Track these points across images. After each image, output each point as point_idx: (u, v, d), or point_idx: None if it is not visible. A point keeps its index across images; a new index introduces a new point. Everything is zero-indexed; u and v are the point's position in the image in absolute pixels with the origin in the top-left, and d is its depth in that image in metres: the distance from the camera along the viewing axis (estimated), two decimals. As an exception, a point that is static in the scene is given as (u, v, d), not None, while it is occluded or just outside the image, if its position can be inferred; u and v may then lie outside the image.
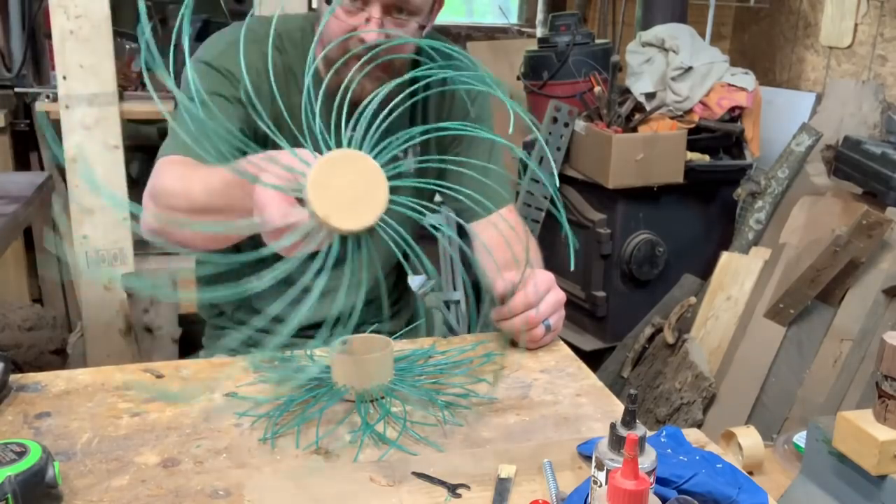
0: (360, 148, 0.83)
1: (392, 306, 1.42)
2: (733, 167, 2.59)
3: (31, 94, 2.66)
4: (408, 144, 0.90)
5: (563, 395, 1.02)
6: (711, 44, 2.86)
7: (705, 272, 2.51)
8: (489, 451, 0.88)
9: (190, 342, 2.13)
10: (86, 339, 2.32)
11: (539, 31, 3.79)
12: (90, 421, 0.92)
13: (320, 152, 0.82)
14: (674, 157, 2.49)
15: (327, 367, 1.02)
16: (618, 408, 0.99)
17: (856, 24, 2.67)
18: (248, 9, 2.67)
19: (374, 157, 0.83)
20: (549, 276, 1.12)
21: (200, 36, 2.60)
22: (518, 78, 2.91)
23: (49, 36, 2.43)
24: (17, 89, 2.64)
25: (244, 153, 1.15)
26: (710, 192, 2.63)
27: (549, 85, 2.74)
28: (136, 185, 2.69)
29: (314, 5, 2.44)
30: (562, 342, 1.18)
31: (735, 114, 2.57)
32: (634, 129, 2.52)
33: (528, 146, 2.69)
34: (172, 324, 2.17)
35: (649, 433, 0.77)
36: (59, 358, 2.45)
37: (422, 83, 1.26)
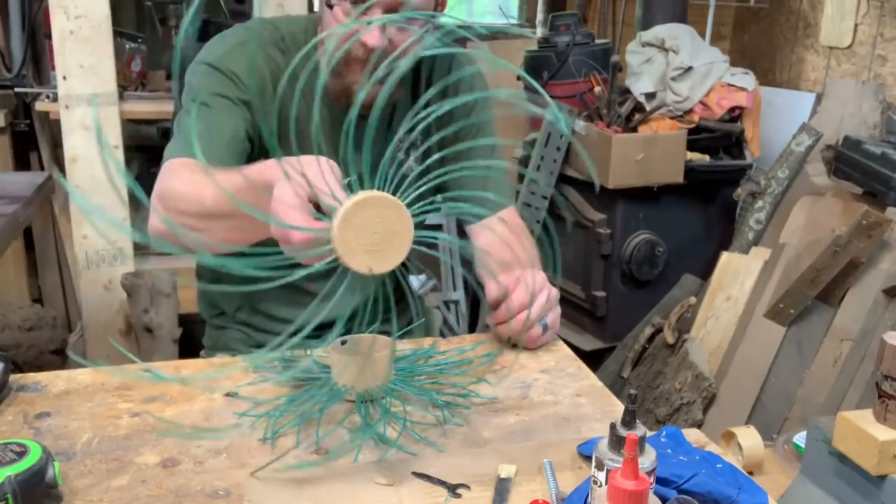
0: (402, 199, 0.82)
1: (392, 307, 1.42)
2: (733, 167, 2.59)
3: (31, 94, 2.66)
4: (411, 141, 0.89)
5: (563, 395, 1.02)
6: (711, 44, 2.86)
7: (705, 272, 2.51)
8: (489, 451, 0.88)
9: (190, 342, 2.13)
10: (86, 339, 2.32)
11: (539, 31, 3.79)
12: (90, 421, 0.92)
13: (336, 160, 0.82)
14: (674, 157, 2.49)
15: (327, 367, 1.02)
16: (618, 408, 0.99)
17: (856, 24, 2.67)
18: (249, 9, 2.67)
19: (406, 205, 0.81)
20: (541, 276, 1.12)
21: (201, 37, 2.60)
22: (518, 78, 2.91)
23: (49, 36, 2.43)
24: (17, 89, 2.64)
25: (250, 155, 1.14)
26: (710, 192, 2.63)
27: (549, 85, 2.74)
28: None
29: (315, 7, 2.44)
30: (562, 342, 1.18)
31: (735, 114, 2.57)
32: (634, 129, 2.52)
33: (528, 146, 2.69)
34: (172, 324, 2.17)
35: (649, 433, 0.77)
36: (59, 358, 2.45)
37: (422, 84, 1.27)
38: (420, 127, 0.87)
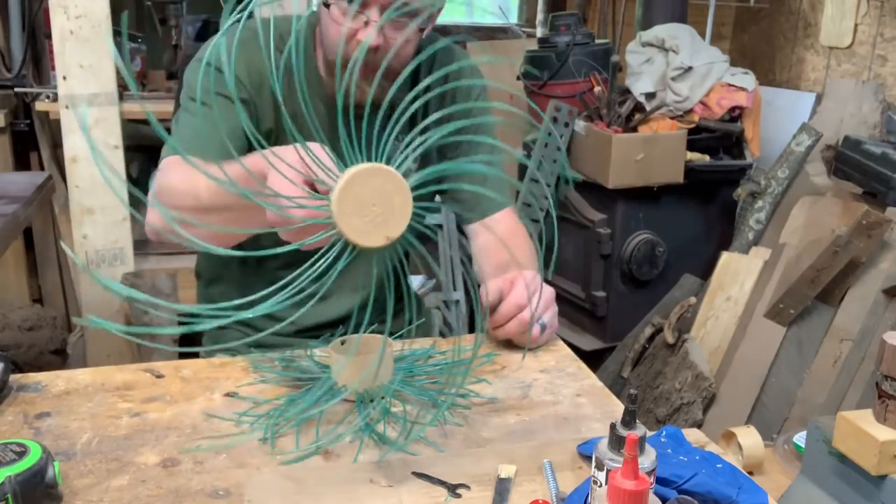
0: (398, 167, 0.82)
1: (392, 306, 1.42)
2: (733, 167, 2.59)
3: (31, 94, 2.66)
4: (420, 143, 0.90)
5: (563, 395, 1.02)
6: (711, 44, 2.86)
7: (705, 272, 2.51)
8: (489, 451, 0.88)
9: (190, 342, 2.13)
10: (86, 339, 2.32)
11: (539, 31, 3.79)
12: (90, 421, 0.92)
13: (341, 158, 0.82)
14: (674, 157, 2.49)
15: (327, 367, 1.02)
16: (618, 408, 0.99)
17: (856, 24, 2.67)
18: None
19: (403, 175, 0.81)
20: (536, 276, 1.12)
21: (200, 36, 2.61)
22: (518, 78, 2.91)
23: (49, 36, 2.43)
24: (17, 89, 2.64)
25: (249, 152, 1.14)
26: (710, 192, 2.63)
27: (549, 85, 2.74)
28: (137, 184, 2.68)
29: (314, 7, 2.44)
30: (562, 342, 1.18)
31: (735, 114, 2.57)
32: (634, 129, 2.52)
33: (528, 146, 2.69)
34: (172, 324, 2.17)
35: (649, 433, 0.77)
36: (59, 358, 2.45)
37: (422, 85, 1.27)
38: (406, 111, 0.86)
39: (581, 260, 2.63)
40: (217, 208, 0.94)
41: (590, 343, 2.64)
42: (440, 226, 2.94)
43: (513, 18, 4.25)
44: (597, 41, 2.86)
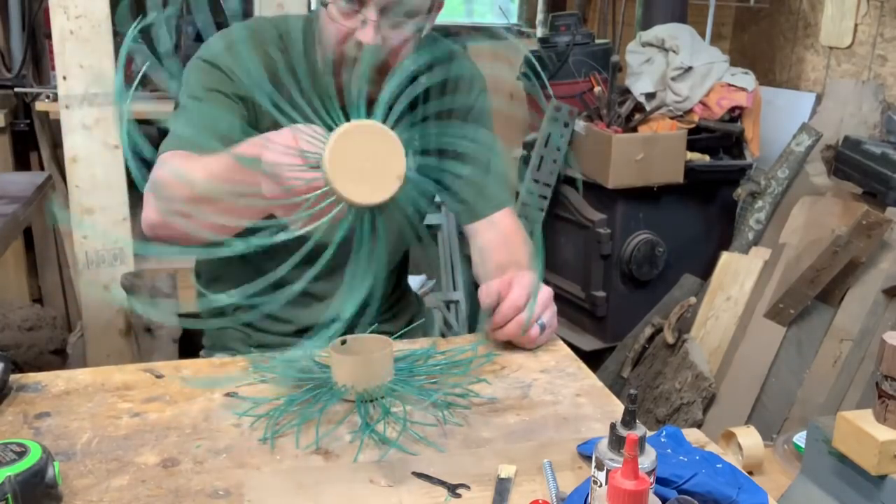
0: (385, 122, 0.82)
1: (392, 306, 1.42)
2: (733, 167, 2.59)
3: (31, 94, 2.66)
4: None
5: (563, 395, 1.02)
6: (711, 44, 2.86)
7: (705, 272, 2.51)
8: (489, 451, 0.88)
9: (190, 342, 2.13)
10: (86, 339, 2.32)
11: (539, 31, 3.79)
12: (90, 421, 0.92)
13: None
14: (674, 157, 2.48)
15: (327, 367, 1.02)
16: (618, 408, 0.99)
17: (856, 24, 2.67)
18: (249, 9, 2.67)
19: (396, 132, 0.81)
20: (533, 276, 1.11)
21: (200, 37, 2.60)
22: (518, 78, 2.91)
23: (49, 36, 2.43)
24: (17, 89, 2.64)
25: None
26: (710, 192, 2.63)
27: (549, 85, 2.74)
28: (136, 185, 2.69)
29: (314, 6, 2.44)
30: (561, 342, 1.18)
31: (735, 114, 2.57)
32: (634, 129, 2.52)
33: (528, 146, 2.69)
34: (172, 325, 2.17)
35: (649, 433, 0.77)
36: (59, 358, 2.45)
37: (422, 84, 1.27)
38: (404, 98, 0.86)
39: (581, 260, 2.63)
40: (212, 198, 0.93)
41: (590, 343, 2.64)
42: (440, 226, 2.94)
43: (513, 18, 4.25)
44: (597, 41, 2.86)
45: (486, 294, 1.10)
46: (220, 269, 1.35)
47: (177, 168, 1.04)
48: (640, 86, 2.62)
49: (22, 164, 2.77)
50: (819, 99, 2.75)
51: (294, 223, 0.83)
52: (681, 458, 0.81)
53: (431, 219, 2.88)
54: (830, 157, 2.40)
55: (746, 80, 2.58)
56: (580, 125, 2.57)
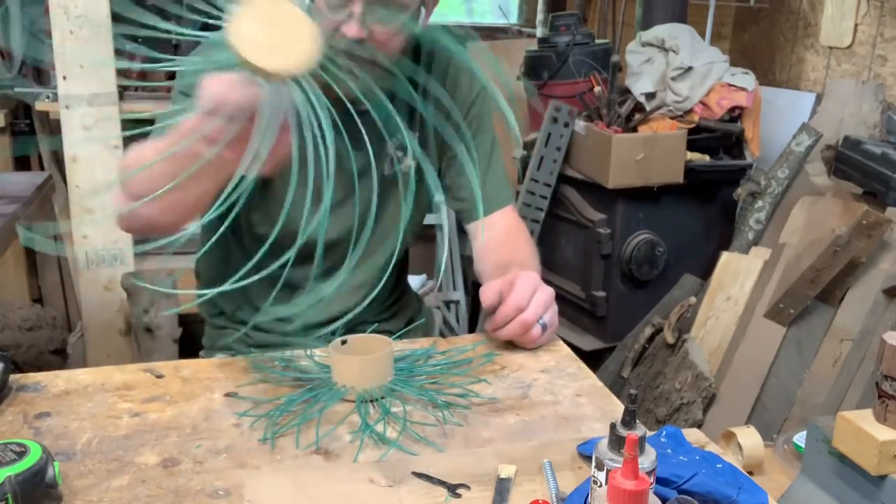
0: None
1: (392, 306, 1.42)
2: (733, 167, 2.59)
3: (31, 94, 2.66)
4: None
5: (563, 395, 1.02)
6: (711, 44, 2.86)
7: (705, 272, 2.51)
8: (489, 451, 0.88)
9: (190, 342, 2.13)
10: (86, 339, 2.32)
11: (539, 31, 3.79)
12: (90, 421, 0.92)
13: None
14: (674, 157, 2.48)
15: (327, 367, 1.02)
16: (618, 408, 0.99)
17: (856, 24, 2.67)
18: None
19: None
20: (533, 276, 1.11)
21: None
22: (518, 78, 2.91)
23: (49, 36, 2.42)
24: (17, 89, 2.64)
25: None
26: (710, 192, 2.63)
27: (549, 85, 2.74)
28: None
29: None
30: (562, 342, 1.18)
31: (735, 114, 2.57)
32: (634, 129, 2.52)
33: (528, 146, 2.69)
34: (172, 324, 2.17)
35: (649, 433, 0.77)
36: (59, 358, 2.45)
37: (421, 83, 1.27)
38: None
39: (581, 260, 2.63)
40: (166, 171, 0.94)
41: (590, 343, 2.64)
42: (440, 226, 2.94)
43: (513, 18, 4.25)
44: (597, 41, 2.86)
45: (486, 294, 1.10)
46: (219, 268, 1.35)
47: (129, 152, 1.06)
48: (640, 86, 2.62)
49: (22, 164, 2.77)
50: (819, 99, 2.74)
51: (247, 165, 0.84)
52: (681, 458, 0.81)
53: (431, 219, 2.88)
54: (830, 157, 2.40)
55: (746, 80, 2.58)
56: (580, 125, 2.57)
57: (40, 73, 2.76)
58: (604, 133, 2.47)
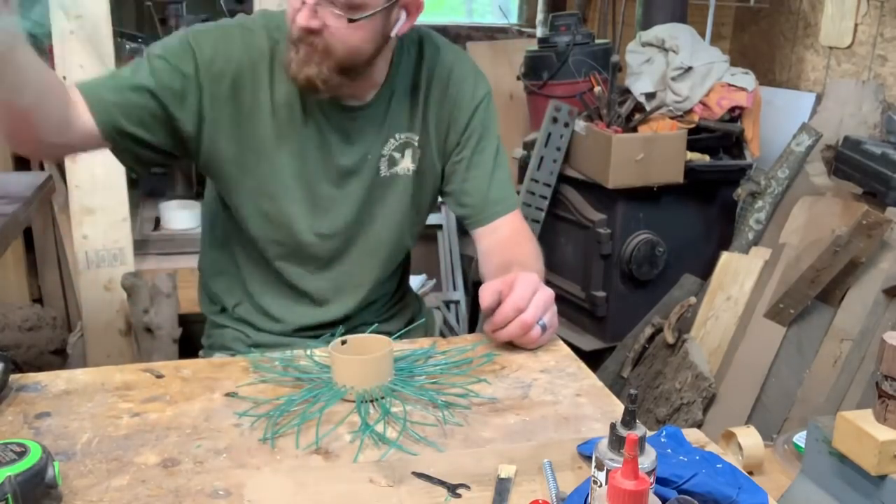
0: None
1: (393, 307, 1.42)
2: (733, 167, 2.59)
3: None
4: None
5: (563, 395, 1.02)
6: (711, 44, 2.86)
7: (705, 272, 2.51)
8: (489, 451, 0.88)
9: (190, 342, 2.13)
10: (86, 339, 2.32)
11: (539, 31, 3.79)
12: (90, 421, 0.92)
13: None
14: (674, 157, 2.48)
15: (327, 367, 1.02)
16: (618, 408, 0.99)
17: (856, 24, 2.67)
18: (249, 8, 2.68)
19: None
20: (533, 277, 1.11)
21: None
22: (518, 78, 2.91)
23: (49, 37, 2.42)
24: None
25: (199, 132, 1.18)
26: (710, 192, 2.63)
27: (549, 85, 2.74)
28: (136, 185, 2.69)
29: None
30: (562, 342, 1.18)
31: (735, 114, 2.57)
32: (634, 129, 2.52)
33: (528, 146, 2.69)
34: (172, 324, 2.17)
35: (649, 433, 0.77)
36: (59, 358, 2.45)
37: (422, 80, 1.27)
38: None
39: (581, 260, 2.63)
40: None
41: (590, 343, 2.64)
42: (440, 226, 2.94)
43: (513, 18, 4.25)
44: (597, 41, 2.86)
45: (485, 294, 1.10)
46: (222, 263, 1.36)
47: None
48: (640, 86, 2.62)
49: (22, 164, 2.77)
50: (819, 99, 2.75)
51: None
52: (681, 458, 0.81)
53: (431, 218, 2.88)
54: (830, 157, 2.40)
55: (746, 80, 2.58)
56: (580, 125, 2.57)
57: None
58: (604, 133, 2.47)
